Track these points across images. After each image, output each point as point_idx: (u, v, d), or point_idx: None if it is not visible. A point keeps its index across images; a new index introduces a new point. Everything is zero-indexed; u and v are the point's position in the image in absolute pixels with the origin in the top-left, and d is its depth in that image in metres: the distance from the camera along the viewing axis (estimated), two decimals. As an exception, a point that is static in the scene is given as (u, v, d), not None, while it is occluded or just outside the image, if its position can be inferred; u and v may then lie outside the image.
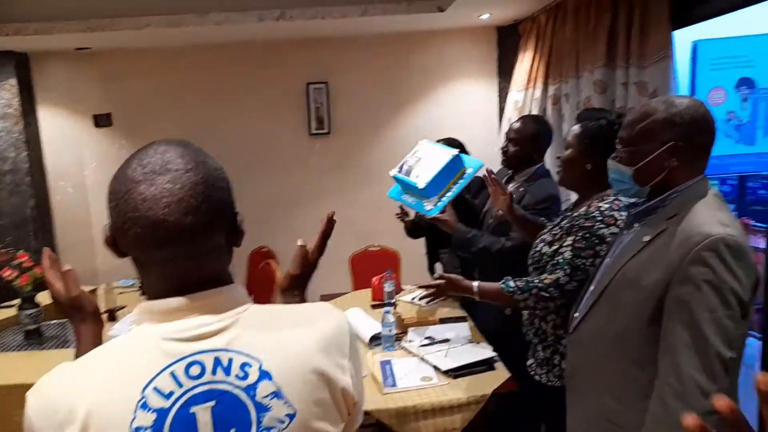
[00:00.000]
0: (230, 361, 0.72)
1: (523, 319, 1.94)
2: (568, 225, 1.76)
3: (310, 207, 4.54)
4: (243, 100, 4.56)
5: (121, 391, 0.69)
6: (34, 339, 3.17)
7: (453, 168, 2.21)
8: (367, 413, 1.80)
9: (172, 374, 0.70)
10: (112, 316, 3.34)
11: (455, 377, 2.05)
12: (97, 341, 0.92)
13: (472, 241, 2.28)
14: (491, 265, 2.28)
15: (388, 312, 2.36)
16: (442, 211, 2.21)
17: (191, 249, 0.72)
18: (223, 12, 3.70)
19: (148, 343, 0.72)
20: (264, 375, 0.72)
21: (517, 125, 2.40)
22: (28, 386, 1.96)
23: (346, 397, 0.78)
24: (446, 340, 2.33)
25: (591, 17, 3.08)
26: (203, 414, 0.70)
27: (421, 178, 2.17)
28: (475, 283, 1.89)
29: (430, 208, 2.21)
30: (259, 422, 0.71)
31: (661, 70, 2.53)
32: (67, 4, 3.71)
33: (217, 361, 0.71)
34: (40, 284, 3.29)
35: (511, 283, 1.77)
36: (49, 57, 4.36)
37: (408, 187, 2.29)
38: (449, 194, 2.21)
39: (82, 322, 0.95)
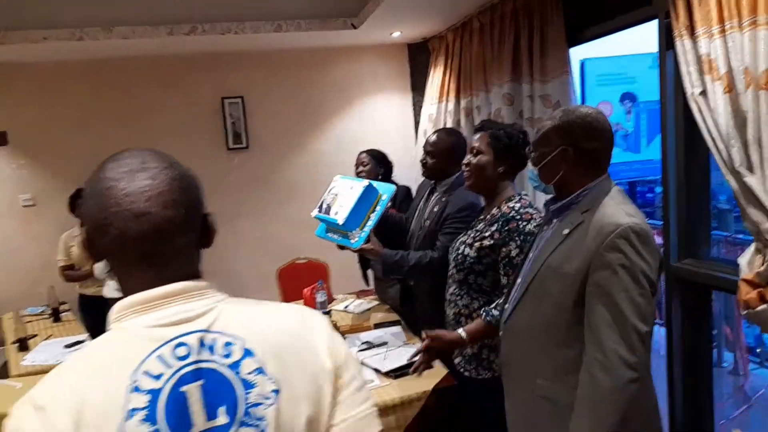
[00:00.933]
0: (214, 341, 0.75)
1: (448, 319, 2.06)
2: (490, 228, 1.89)
3: (231, 223, 4.46)
4: (156, 115, 4.41)
5: (111, 378, 0.71)
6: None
7: (368, 197, 2.31)
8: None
9: (160, 357, 0.72)
10: (24, 346, 3.10)
11: (396, 377, 2.15)
12: None
13: (400, 263, 2.37)
14: (424, 277, 2.41)
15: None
16: (367, 241, 2.31)
17: (169, 245, 0.76)
18: (131, 26, 3.59)
19: (132, 333, 0.74)
20: (247, 353, 0.76)
21: (433, 138, 2.54)
22: None
23: (331, 360, 0.81)
24: (384, 344, 2.43)
25: (495, 36, 3.34)
26: (194, 392, 0.73)
27: (340, 214, 2.27)
28: (462, 332, 1.81)
29: (355, 240, 2.31)
30: (246, 398, 0.74)
31: (561, 84, 2.81)
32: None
33: (201, 342, 0.74)
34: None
35: (494, 312, 1.77)
36: (-70, 71, 3.98)
37: (331, 224, 2.37)
38: (369, 223, 2.31)
39: None
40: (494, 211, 1.93)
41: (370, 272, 3.33)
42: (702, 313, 2.24)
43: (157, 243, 0.75)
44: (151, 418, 0.70)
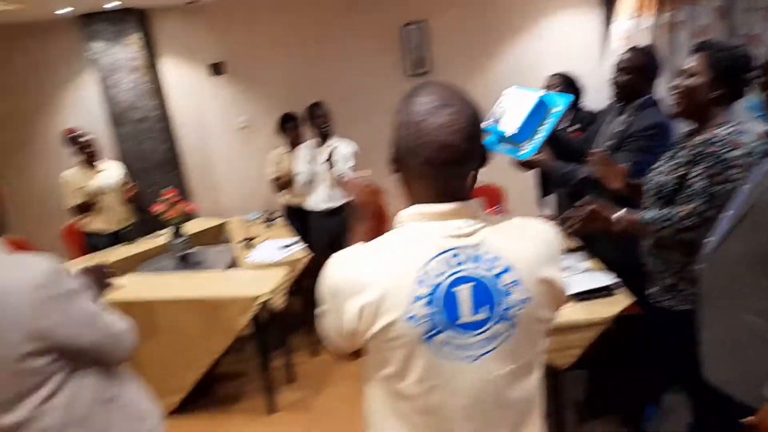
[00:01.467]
0: (482, 255, 0.95)
1: (644, 251, 2.04)
2: (690, 153, 1.79)
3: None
4: (345, 42, 4.73)
5: (405, 267, 0.93)
6: (185, 263, 3.68)
7: (541, 110, 2.22)
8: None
9: (441, 260, 0.94)
10: (249, 244, 3.79)
11: (579, 300, 2.24)
12: (369, 235, 1.11)
13: (570, 175, 2.36)
14: (597, 193, 2.35)
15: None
16: (537, 152, 2.29)
17: (459, 169, 0.95)
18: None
19: (424, 236, 0.95)
20: (507, 269, 0.96)
21: (627, 56, 2.40)
22: (186, 300, 2.39)
23: (559, 291, 1.02)
24: (566, 268, 2.51)
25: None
26: (464, 292, 0.94)
27: (510, 125, 2.21)
28: (617, 214, 1.87)
29: (524, 152, 2.25)
30: (504, 302, 0.95)
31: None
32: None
33: (474, 254, 0.95)
34: (187, 216, 3.80)
35: (650, 214, 1.83)
36: (164, 12, 4.70)
37: (500, 136, 2.35)
38: (541, 135, 2.22)
39: (362, 222, 1.20)
40: (699, 138, 1.79)
41: (549, 198, 3.35)
42: None
43: (453, 168, 0.94)
44: (430, 304, 0.93)
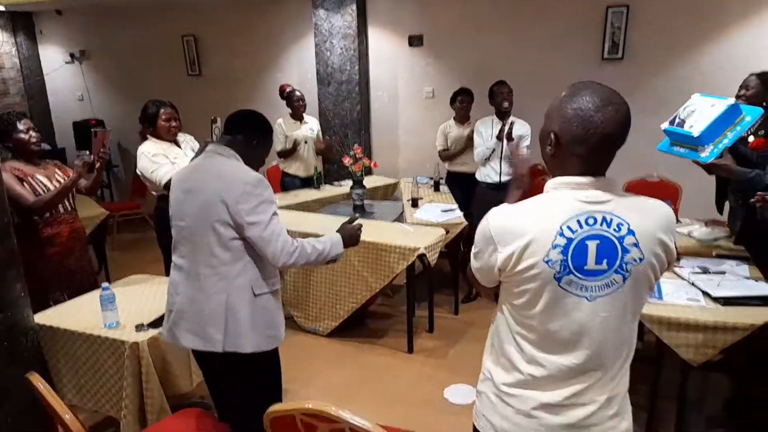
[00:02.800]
0: (611, 219, 1.17)
1: None
2: None
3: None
4: (537, 24, 4.77)
5: (550, 222, 1.18)
6: (360, 211, 4.19)
7: (730, 116, 2.18)
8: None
9: (578, 220, 1.17)
10: (415, 203, 4.17)
11: (724, 304, 2.19)
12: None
13: (755, 181, 2.28)
14: None
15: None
16: (719, 157, 2.23)
17: (608, 152, 1.20)
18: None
19: (566, 201, 1.19)
20: (630, 232, 1.17)
21: None
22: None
23: (669, 257, 1.22)
24: (721, 273, 2.43)
25: None
26: (592, 246, 1.17)
27: (696, 127, 2.20)
28: None
29: (706, 154, 2.23)
30: (623, 258, 1.17)
31: None
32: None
33: (604, 218, 1.17)
34: (369, 171, 4.30)
35: None
36: (380, -16, 5.21)
37: (680, 138, 2.33)
38: (726, 141, 2.20)
39: (517, 191, 1.46)
40: None
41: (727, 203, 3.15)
42: None
43: (606, 152, 1.19)
44: (564, 253, 1.17)
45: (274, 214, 1.88)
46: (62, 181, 2.86)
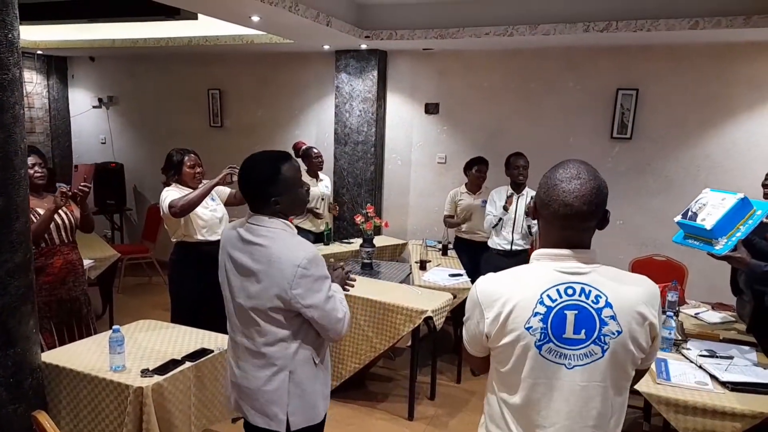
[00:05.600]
0: (590, 291, 1.23)
1: None
2: None
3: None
4: (550, 99, 4.97)
5: (531, 290, 1.24)
6: (368, 270, 4.23)
7: (741, 210, 2.28)
8: (635, 393, 2.10)
9: (557, 290, 1.24)
10: (423, 266, 4.21)
11: (732, 389, 2.18)
12: None
13: None
14: None
15: (670, 317, 2.56)
16: (733, 250, 2.30)
17: (580, 225, 1.25)
18: (553, 23, 4.15)
19: (546, 271, 1.26)
20: (608, 304, 1.22)
21: None
22: (364, 299, 2.93)
23: (652, 331, 1.25)
24: (729, 357, 2.43)
25: None
26: (570, 316, 1.22)
27: (708, 220, 2.30)
28: None
29: (720, 247, 2.32)
30: (600, 329, 1.21)
31: None
32: (424, 16, 4.65)
33: (582, 289, 1.23)
34: (378, 231, 4.38)
35: None
36: (401, 54, 5.47)
37: (694, 231, 2.41)
38: (739, 234, 2.29)
39: None
40: None
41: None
42: None
43: (573, 223, 1.25)
44: (544, 321, 1.23)
45: (330, 288, 1.79)
46: (64, 215, 3.03)
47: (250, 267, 1.77)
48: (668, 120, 4.62)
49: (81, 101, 7.20)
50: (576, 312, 1.22)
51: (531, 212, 1.38)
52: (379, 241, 4.86)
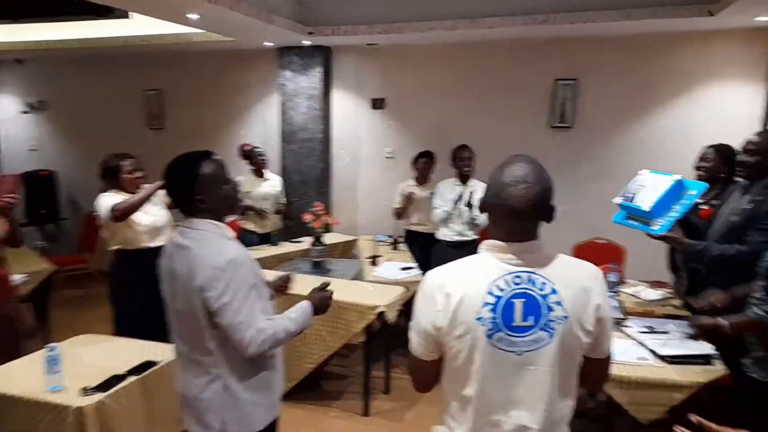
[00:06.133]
0: (536, 279, 1.27)
1: (749, 339, 2.05)
2: None
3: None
4: (492, 92, 5.07)
5: (479, 282, 1.27)
6: (319, 268, 4.18)
7: (677, 191, 2.39)
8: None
9: (505, 279, 1.27)
10: (374, 262, 4.21)
11: (671, 362, 2.28)
12: None
13: (704, 252, 2.43)
14: (724, 270, 2.40)
15: (612, 296, 2.65)
16: (670, 230, 2.40)
17: (526, 222, 1.28)
18: (494, 17, 4.23)
19: (495, 262, 1.29)
20: (554, 291, 1.26)
21: (755, 138, 2.45)
22: None
23: (597, 313, 1.28)
24: (666, 332, 2.54)
25: None
26: (518, 304, 1.25)
27: (646, 202, 2.40)
28: (725, 322, 2.01)
29: (657, 227, 2.42)
30: (547, 315, 1.25)
31: None
32: (367, 11, 4.64)
33: (529, 278, 1.27)
34: (327, 229, 4.34)
35: (759, 311, 1.92)
36: (345, 50, 5.44)
37: (633, 212, 2.52)
38: (675, 214, 2.39)
39: None
40: None
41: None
42: None
43: (521, 220, 1.28)
44: (494, 310, 1.25)
45: (247, 297, 1.66)
46: None
47: (176, 271, 1.72)
48: (605, 109, 4.79)
49: (8, 107, 6.82)
50: (524, 300, 1.25)
51: (480, 206, 1.39)
52: (329, 238, 4.81)
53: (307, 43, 5.12)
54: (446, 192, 4.16)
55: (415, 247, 4.60)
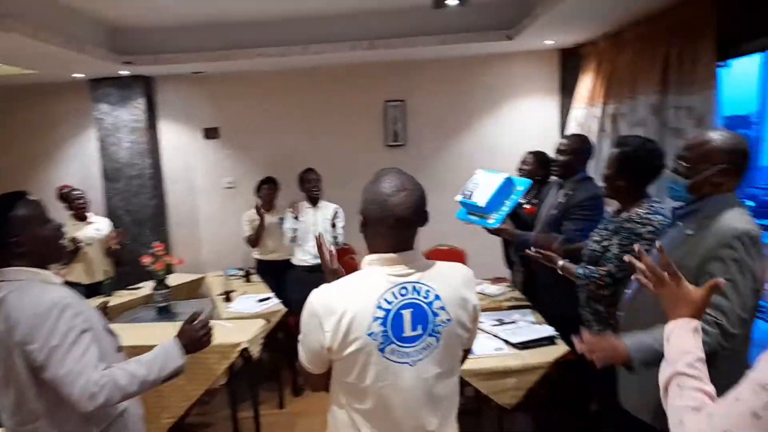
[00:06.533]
0: (420, 288, 1.32)
1: (581, 302, 2.39)
2: (613, 227, 2.20)
3: (386, 211, 5.08)
4: (327, 116, 5.19)
5: (367, 297, 1.28)
6: (165, 314, 3.85)
7: (506, 188, 2.72)
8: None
9: (392, 292, 1.30)
10: (228, 298, 3.99)
11: (522, 348, 2.53)
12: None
13: (529, 242, 2.77)
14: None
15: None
16: (502, 223, 2.71)
17: (406, 230, 1.33)
18: (322, 43, 4.34)
19: (380, 276, 1.31)
20: (437, 297, 1.32)
21: (564, 141, 2.90)
22: None
23: (475, 312, 1.38)
24: (513, 322, 2.81)
25: (647, 47, 3.47)
26: (407, 314, 1.29)
27: (481, 199, 2.69)
28: (561, 262, 2.41)
29: (492, 221, 2.72)
30: (434, 321, 1.31)
31: (707, 98, 2.91)
32: (191, 38, 4.46)
33: (414, 288, 1.31)
34: (170, 269, 4.01)
35: (580, 270, 2.28)
36: (169, 79, 5.14)
37: (471, 208, 2.80)
38: (505, 209, 2.72)
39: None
40: (623, 215, 2.21)
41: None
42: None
43: (403, 231, 1.33)
44: (384, 324, 1.27)
45: (76, 344, 1.47)
46: None
47: None
48: (432, 126, 5.19)
49: None
50: (411, 310, 1.29)
51: (360, 227, 1.38)
52: (173, 279, 4.46)
53: (124, 73, 4.74)
54: (296, 214, 4.14)
55: (269, 277, 4.48)
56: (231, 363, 3.11)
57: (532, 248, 2.57)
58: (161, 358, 1.63)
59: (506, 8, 4.25)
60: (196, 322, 1.77)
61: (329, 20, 4.39)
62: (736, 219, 1.62)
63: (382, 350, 1.26)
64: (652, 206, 2.15)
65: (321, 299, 1.30)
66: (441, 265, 1.39)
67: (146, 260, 3.89)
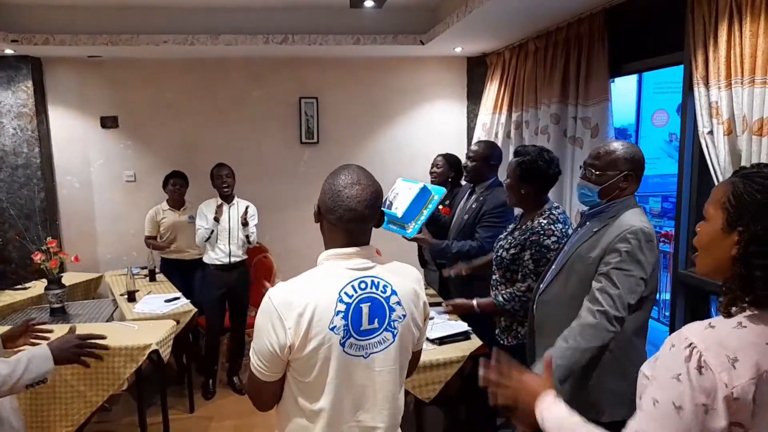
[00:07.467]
0: (378, 282, 1.34)
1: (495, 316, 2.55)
2: (521, 237, 2.36)
3: (299, 209, 5.04)
4: (242, 109, 5.04)
5: (328, 292, 1.29)
6: (60, 315, 3.57)
7: (423, 197, 2.84)
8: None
9: (352, 286, 1.31)
10: (132, 298, 3.77)
11: (440, 344, 2.65)
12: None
13: (446, 250, 2.94)
14: (465, 262, 2.91)
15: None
16: (419, 232, 2.83)
17: (363, 225, 1.35)
18: (234, 34, 4.21)
19: (339, 270, 1.33)
20: (394, 292, 1.36)
21: (474, 148, 3.08)
22: None
23: (425, 308, 1.44)
24: (431, 318, 2.93)
25: (547, 59, 3.75)
26: (365, 308, 1.31)
27: (399, 208, 2.79)
28: (474, 302, 2.49)
29: (410, 230, 2.83)
30: (390, 316, 1.35)
31: (601, 110, 3.22)
32: (89, 19, 4.15)
33: (372, 282, 1.34)
34: (63, 267, 3.72)
35: (500, 298, 2.40)
36: (61, 62, 4.72)
37: (391, 217, 2.89)
38: (422, 218, 2.84)
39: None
40: (528, 223, 2.39)
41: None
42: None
43: (357, 224, 1.33)
44: (345, 318, 1.28)
45: None
46: None
47: None
48: (345, 124, 5.21)
49: None
50: (370, 304, 1.31)
51: (315, 216, 1.39)
52: (67, 279, 4.13)
53: (9, 52, 4.29)
54: (209, 212, 3.98)
55: (176, 276, 4.28)
56: (139, 366, 2.95)
57: (451, 273, 2.74)
58: (27, 361, 1.59)
59: (420, 14, 4.39)
60: (66, 333, 1.73)
61: (243, 11, 4.27)
62: (635, 218, 1.84)
63: (342, 344, 1.28)
64: (552, 214, 2.35)
65: (281, 296, 1.28)
66: (394, 264, 1.43)
67: (37, 257, 3.57)
